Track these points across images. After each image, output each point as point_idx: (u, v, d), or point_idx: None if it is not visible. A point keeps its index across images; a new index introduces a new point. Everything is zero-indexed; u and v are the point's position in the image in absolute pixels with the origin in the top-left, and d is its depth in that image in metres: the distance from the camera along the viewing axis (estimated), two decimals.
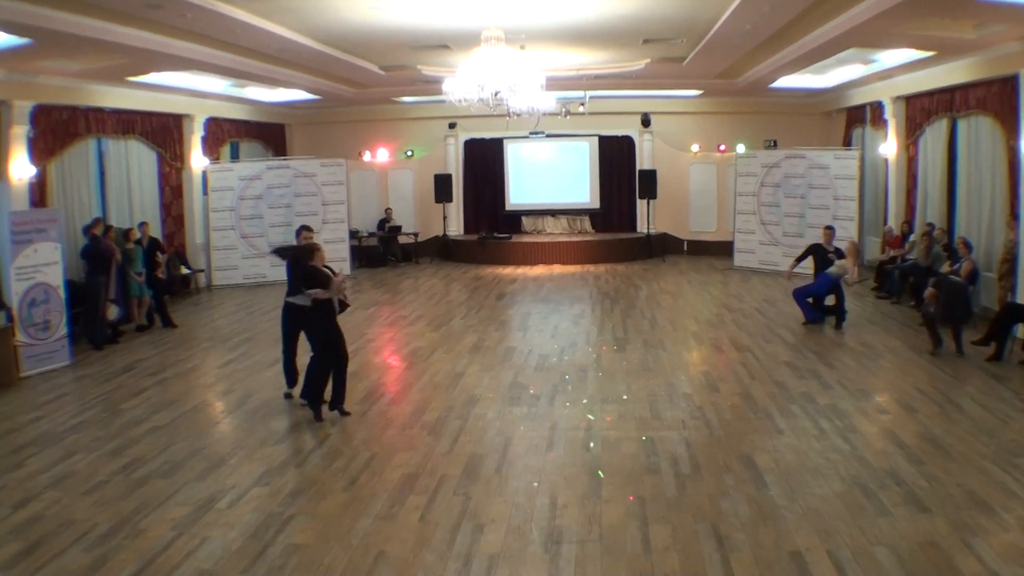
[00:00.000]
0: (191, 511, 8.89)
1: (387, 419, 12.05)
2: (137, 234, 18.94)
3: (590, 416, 11.93)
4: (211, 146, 24.79)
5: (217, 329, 18.65)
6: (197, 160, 23.84)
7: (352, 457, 10.49)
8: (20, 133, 16.56)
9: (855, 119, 26.35)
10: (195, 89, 21.90)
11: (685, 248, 29.80)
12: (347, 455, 10.57)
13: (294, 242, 13.82)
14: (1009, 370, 13.86)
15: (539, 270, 26.47)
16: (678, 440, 10.86)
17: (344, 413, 12.10)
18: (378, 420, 12.02)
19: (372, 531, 8.39)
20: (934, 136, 20.78)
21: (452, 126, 29.32)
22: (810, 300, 18.04)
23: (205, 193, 24.38)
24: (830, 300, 18.09)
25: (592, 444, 10.80)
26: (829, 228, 18.60)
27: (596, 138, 29.96)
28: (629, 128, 29.74)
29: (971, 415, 11.59)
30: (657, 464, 10.02)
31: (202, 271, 24.18)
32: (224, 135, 25.88)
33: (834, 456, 10.12)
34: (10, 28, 12.73)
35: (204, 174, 24.25)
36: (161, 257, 19.80)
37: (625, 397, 12.76)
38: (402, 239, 28.96)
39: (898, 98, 22.17)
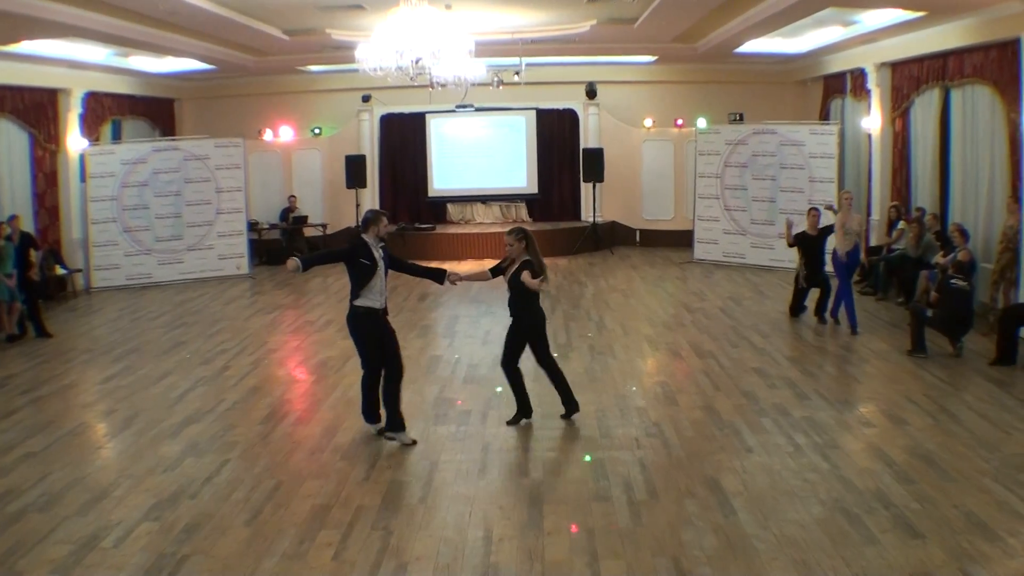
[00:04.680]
0: (72, 551, 8.75)
1: (294, 442, 11.98)
2: (7, 229, 18.52)
3: (528, 434, 11.96)
4: (90, 125, 24.52)
5: (97, 339, 18.39)
6: (74, 142, 23.57)
7: (254, 486, 10.40)
8: None
9: (833, 89, 26.58)
10: (73, 59, 21.70)
11: (637, 239, 29.94)
12: (248, 484, 10.47)
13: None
14: (1012, 374, 14.06)
15: (468, 266, 26.30)
16: (631, 461, 10.88)
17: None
18: (283, 443, 11.93)
19: (279, 572, 8.33)
20: (924, 108, 21.03)
21: (366, 99, 29.10)
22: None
23: (83, 180, 23.98)
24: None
25: (531, 468, 10.82)
26: (814, 210, 18.64)
27: (534, 112, 29.96)
28: (572, 100, 29.82)
29: (969, 427, 11.72)
30: (607, 490, 10.03)
31: (80, 271, 23.78)
32: (105, 112, 25.62)
33: (812, 476, 10.19)
34: None
35: (82, 158, 23.90)
36: (35, 256, 19.51)
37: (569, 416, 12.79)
38: (308, 231, 28.83)
39: (883, 65, 22.40)
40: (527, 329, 12.33)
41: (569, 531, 8.97)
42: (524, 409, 12.46)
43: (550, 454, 11.23)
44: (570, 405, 12.52)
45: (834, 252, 17.88)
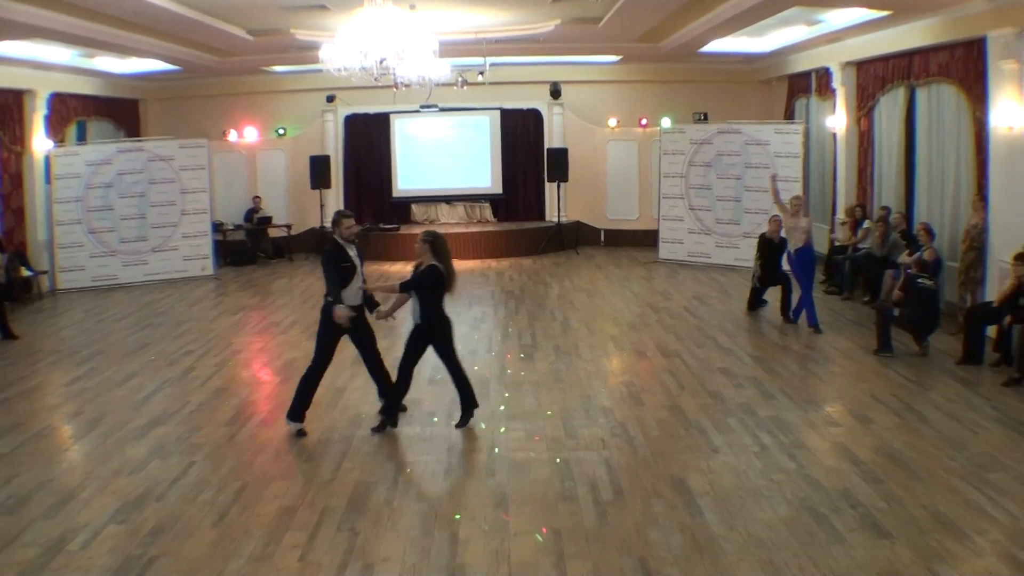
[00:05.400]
0: (40, 553, 8.71)
1: (259, 443, 11.93)
2: None
3: (494, 436, 11.93)
4: (55, 126, 24.36)
5: (63, 341, 18.26)
6: (39, 143, 23.40)
7: (220, 488, 10.36)
8: None
9: (798, 88, 26.68)
10: (37, 60, 21.57)
11: (602, 239, 29.89)
12: (214, 486, 10.44)
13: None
14: (979, 373, 14.12)
15: None
16: (597, 461, 10.88)
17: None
18: (248, 444, 11.89)
19: (245, 574, 8.31)
20: (889, 107, 21.07)
21: (330, 99, 29.01)
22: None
23: (48, 182, 23.80)
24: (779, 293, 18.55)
25: (497, 468, 10.79)
26: (776, 217, 18.73)
27: (498, 112, 29.95)
28: (536, 100, 29.79)
29: (936, 425, 11.76)
30: (573, 490, 10.02)
31: (45, 273, 23.59)
32: (70, 113, 25.46)
33: (779, 476, 10.20)
34: None
35: (47, 159, 23.72)
36: (0, 258, 19.37)
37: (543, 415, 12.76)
38: (273, 232, 28.74)
39: (848, 64, 22.45)
40: (437, 336, 12.31)
41: (535, 532, 8.94)
42: (392, 414, 12.44)
43: (515, 455, 11.18)
44: (467, 413, 12.46)
45: (788, 253, 18.01)
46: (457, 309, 19.53)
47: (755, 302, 18.99)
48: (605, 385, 14.22)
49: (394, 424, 12.24)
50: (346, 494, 10.08)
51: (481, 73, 24.88)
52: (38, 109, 23.18)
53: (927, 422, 11.89)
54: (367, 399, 13.38)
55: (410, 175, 30.15)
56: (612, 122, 29.49)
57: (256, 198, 28.89)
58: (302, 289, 23.18)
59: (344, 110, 29.60)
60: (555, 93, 29.03)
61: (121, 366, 16.03)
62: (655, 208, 27.34)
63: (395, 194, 30.22)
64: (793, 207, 18.13)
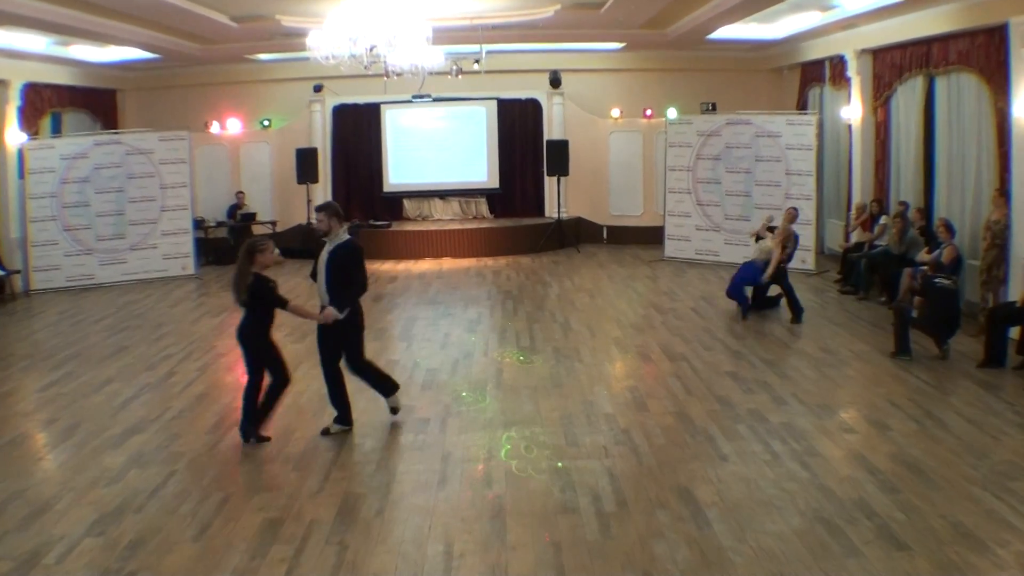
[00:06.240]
0: (13, 567, 8.69)
1: (243, 452, 11.91)
2: None
3: (490, 443, 11.91)
4: (29, 118, 24.30)
5: (37, 344, 18.26)
6: (12, 136, 23.34)
7: (202, 499, 10.32)
8: None
9: (811, 77, 26.68)
10: (10, 49, 21.54)
11: (604, 236, 29.95)
12: (196, 496, 10.40)
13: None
14: (1001, 377, 14.08)
15: (425, 265, 26.38)
16: (600, 471, 10.85)
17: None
18: (232, 453, 11.88)
19: None
20: (907, 97, 21.08)
21: (318, 89, 28.98)
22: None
23: (21, 176, 23.73)
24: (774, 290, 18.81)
25: (494, 478, 10.77)
26: (793, 209, 18.97)
27: (495, 102, 29.88)
28: (535, 90, 29.78)
29: (956, 432, 11.73)
30: (574, 501, 9.99)
31: (18, 272, 23.52)
32: (44, 104, 25.40)
33: (791, 486, 10.17)
34: None
35: (20, 153, 23.65)
36: None
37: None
38: (257, 229, 28.38)
39: (864, 51, 22.44)
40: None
41: (534, 545, 8.93)
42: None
43: (513, 463, 11.18)
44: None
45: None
46: (452, 310, 19.67)
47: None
48: (608, 390, 14.17)
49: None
50: (335, 506, 10.04)
51: (477, 61, 24.82)
52: (11, 100, 23.12)
53: (947, 428, 11.87)
54: (357, 404, 13.30)
55: (402, 169, 30.11)
56: (615, 113, 29.48)
57: (239, 193, 28.83)
58: (288, 289, 22.90)
59: (332, 100, 29.58)
60: (555, 82, 29.00)
61: (98, 371, 16.00)
62: (660, 203, 27.27)
63: (386, 189, 30.19)
64: (762, 228, 18.59)
